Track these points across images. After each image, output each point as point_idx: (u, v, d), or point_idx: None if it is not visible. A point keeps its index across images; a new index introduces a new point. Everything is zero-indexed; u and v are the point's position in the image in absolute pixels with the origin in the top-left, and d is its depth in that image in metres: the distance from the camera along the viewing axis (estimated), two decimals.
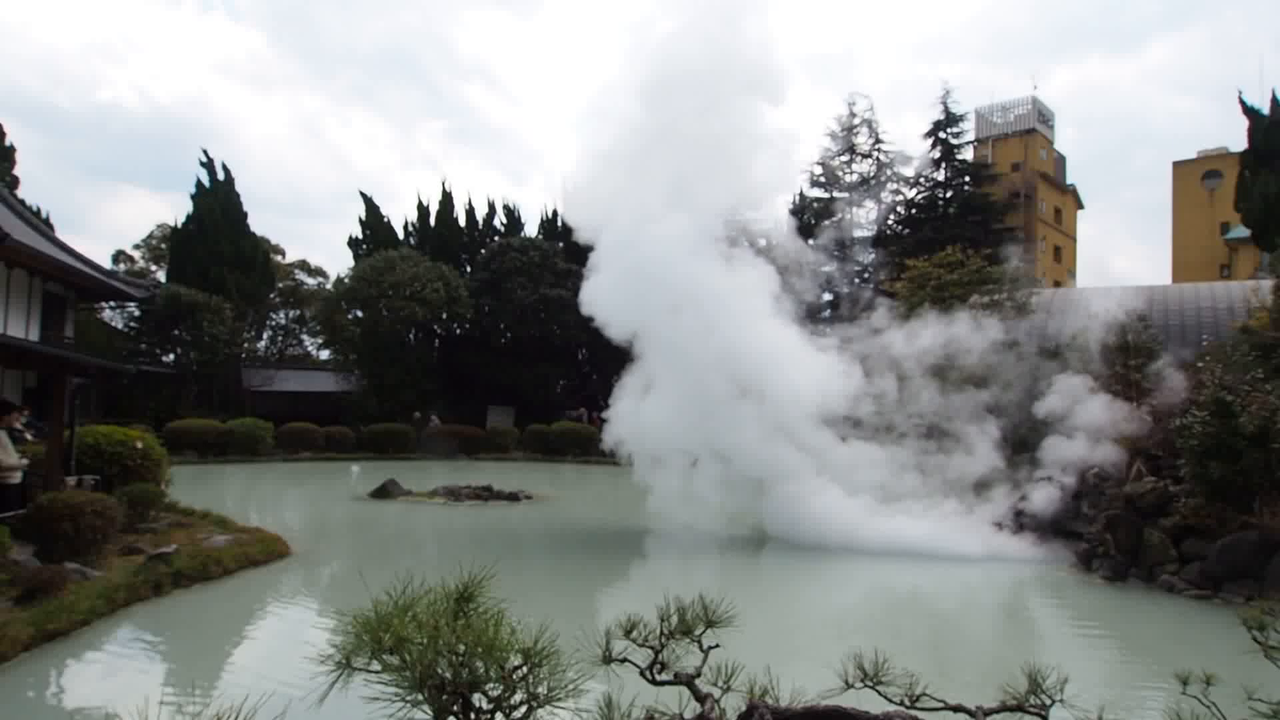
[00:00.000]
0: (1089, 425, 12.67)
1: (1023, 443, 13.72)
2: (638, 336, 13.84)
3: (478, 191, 60.56)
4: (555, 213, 39.10)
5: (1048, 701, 2.01)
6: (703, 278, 13.20)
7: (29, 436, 12.10)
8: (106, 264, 29.14)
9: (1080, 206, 51.95)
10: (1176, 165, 44.90)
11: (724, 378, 13.05)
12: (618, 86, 19.84)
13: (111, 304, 30.42)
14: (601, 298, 13.66)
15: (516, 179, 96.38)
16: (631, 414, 13.76)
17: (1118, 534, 10.48)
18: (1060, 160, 50.22)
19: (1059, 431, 13.02)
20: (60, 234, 22.36)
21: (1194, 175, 43.84)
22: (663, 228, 13.08)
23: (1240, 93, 26.72)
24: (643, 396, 13.79)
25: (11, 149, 29.89)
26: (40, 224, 21.29)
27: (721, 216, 14.01)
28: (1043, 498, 12.54)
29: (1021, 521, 12.56)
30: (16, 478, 9.89)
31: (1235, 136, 45.75)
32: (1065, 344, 15.66)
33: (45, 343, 17.70)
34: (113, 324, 33.58)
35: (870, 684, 2.08)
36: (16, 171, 30.01)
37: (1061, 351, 15.44)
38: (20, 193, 28.07)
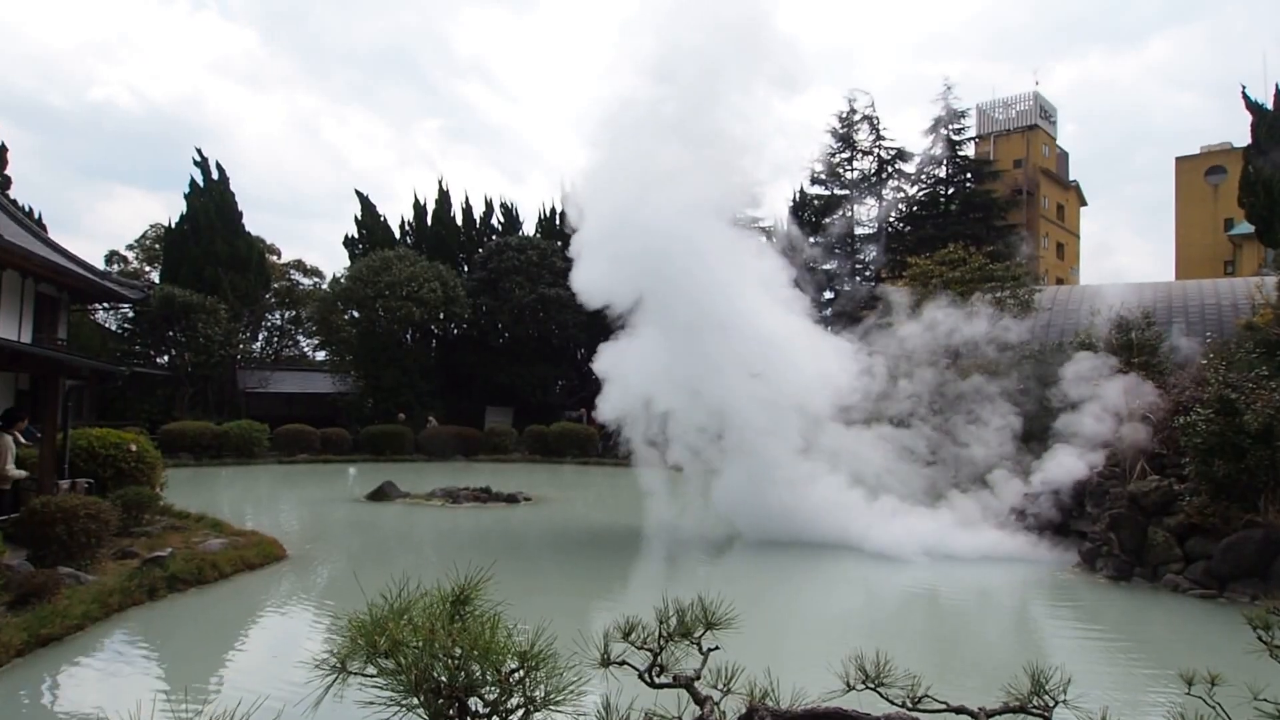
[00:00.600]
0: (1108, 403, 12.40)
1: (1031, 436, 13.57)
2: (634, 300, 13.56)
3: (475, 190, 60.78)
4: (554, 211, 39.00)
5: (1051, 703, 1.99)
6: (703, 242, 13.00)
7: (21, 439, 12.03)
8: (100, 265, 29.20)
9: (1083, 203, 52.02)
10: (1179, 161, 44.81)
11: (713, 326, 12.84)
12: (622, 66, 19.54)
13: (105, 305, 30.41)
14: (598, 271, 13.37)
15: (514, 177, 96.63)
16: (615, 358, 13.57)
17: (1122, 533, 10.45)
18: (1063, 156, 50.21)
19: (1078, 410, 12.70)
20: (53, 234, 22.37)
21: (1197, 171, 43.80)
22: (666, 195, 12.85)
23: (1244, 87, 26.64)
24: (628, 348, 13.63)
25: (3, 148, 29.77)
26: (33, 224, 21.27)
27: (727, 192, 13.78)
28: (1063, 470, 12.19)
29: (1029, 519, 12.43)
30: (8, 484, 9.85)
31: (1236, 132, 45.92)
32: (1071, 340, 15.62)
33: (38, 344, 17.65)
34: (106, 325, 33.56)
35: (871, 686, 2.06)
36: (9, 171, 29.90)
37: (1067, 348, 15.42)
38: (12, 193, 27.97)
